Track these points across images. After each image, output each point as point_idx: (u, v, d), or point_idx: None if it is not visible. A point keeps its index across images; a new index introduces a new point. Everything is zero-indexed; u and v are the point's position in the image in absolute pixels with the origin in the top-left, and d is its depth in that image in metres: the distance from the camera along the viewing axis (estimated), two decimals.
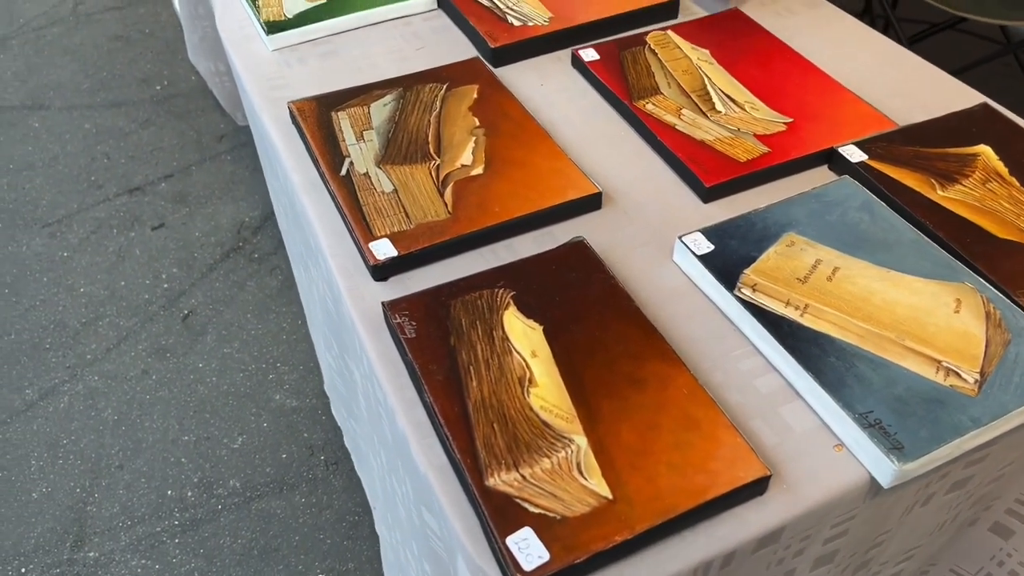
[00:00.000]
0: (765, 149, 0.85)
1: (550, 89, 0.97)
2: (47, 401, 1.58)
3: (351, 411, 1.04)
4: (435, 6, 1.10)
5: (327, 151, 0.86)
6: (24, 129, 2.20)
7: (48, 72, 2.40)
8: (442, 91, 0.93)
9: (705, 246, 0.74)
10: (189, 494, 1.43)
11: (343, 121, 0.89)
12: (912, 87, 0.96)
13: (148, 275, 1.82)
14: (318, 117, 0.90)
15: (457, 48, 1.04)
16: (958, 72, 1.95)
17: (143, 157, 2.11)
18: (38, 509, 1.42)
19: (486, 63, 1.00)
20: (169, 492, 1.44)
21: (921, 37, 2.05)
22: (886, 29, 2.08)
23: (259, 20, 1.04)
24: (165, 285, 1.80)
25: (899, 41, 1.85)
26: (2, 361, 1.66)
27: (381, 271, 0.75)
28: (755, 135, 0.86)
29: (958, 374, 0.64)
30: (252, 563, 1.34)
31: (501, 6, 1.05)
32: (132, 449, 1.50)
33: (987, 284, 0.71)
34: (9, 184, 2.04)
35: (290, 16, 1.05)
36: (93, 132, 2.18)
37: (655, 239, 0.79)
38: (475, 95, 0.93)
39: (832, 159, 0.85)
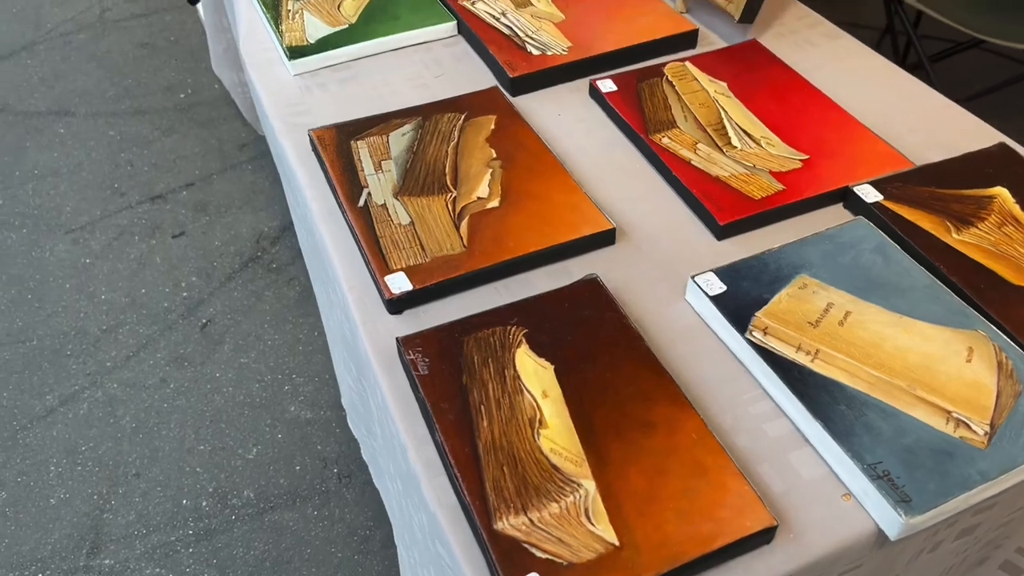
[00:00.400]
0: (780, 187, 0.85)
1: (567, 119, 0.98)
2: (67, 407, 1.61)
3: (370, 430, 1.05)
4: (455, 32, 1.11)
5: (346, 181, 0.87)
6: (50, 135, 2.23)
7: (74, 78, 2.43)
8: (460, 121, 0.94)
9: (718, 287, 0.75)
10: (204, 504, 1.45)
11: (362, 151, 0.90)
12: (931, 123, 0.96)
13: (168, 283, 1.84)
14: (337, 146, 0.91)
15: (476, 75, 1.05)
16: (980, 94, 1.94)
17: (165, 165, 2.14)
18: (56, 515, 1.45)
19: (504, 92, 1.00)
20: (184, 501, 1.46)
21: (943, 56, 2.04)
22: (908, 47, 2.07)
23: (282, 45, 1.06)
24: (184, 294, 1.82)
25: (920, 59, 1.84)
26: (24, 367, 1.68)
27: (396, 305, 0.76)
28: (771, 172, 0.87)
29: (968, 425, 0.64)
30: (264, 575, 1.36)
31: (520, 34, 1.06)
32: (149, 457, 1.52)
33: (1000, 332, 0.71)
34: (34, 190, 2.08)
35: (312, 41, 1.06)
36: (117, 139, 2.22)
37: (668, 276, 0.80)
38: (492, 126, 0.94)
39: (847, 198, 0.85)
